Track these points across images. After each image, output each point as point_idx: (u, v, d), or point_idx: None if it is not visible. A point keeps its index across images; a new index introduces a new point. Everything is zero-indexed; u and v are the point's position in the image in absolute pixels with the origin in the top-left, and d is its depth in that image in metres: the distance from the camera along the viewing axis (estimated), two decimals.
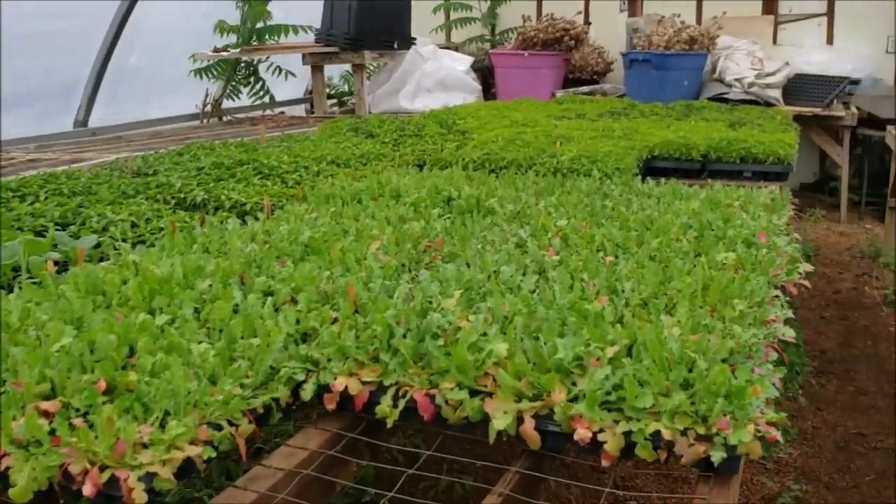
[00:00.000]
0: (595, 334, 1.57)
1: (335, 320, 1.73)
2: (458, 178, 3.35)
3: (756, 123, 5.01)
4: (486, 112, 6.02)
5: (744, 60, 7.48)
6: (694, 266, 2.11)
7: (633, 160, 3.78)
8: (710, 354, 1.50)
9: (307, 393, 1.57)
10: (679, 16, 7.90)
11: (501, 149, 3.93)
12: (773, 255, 2.22)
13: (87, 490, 1.24)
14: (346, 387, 1.56)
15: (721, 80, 7.48)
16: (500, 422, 1.42)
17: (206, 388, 1.45)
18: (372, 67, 9.05)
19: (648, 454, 1.38)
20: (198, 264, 2.01)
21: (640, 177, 3.98)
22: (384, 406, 1.52)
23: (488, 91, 8.86)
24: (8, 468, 1.28)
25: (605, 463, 1.40)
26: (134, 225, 2.71)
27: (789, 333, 1.80)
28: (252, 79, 8.25)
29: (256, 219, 2.81)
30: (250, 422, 1.47)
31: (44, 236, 2.44)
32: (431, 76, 8.50)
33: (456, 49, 9.60)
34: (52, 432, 1.31)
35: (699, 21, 8.37)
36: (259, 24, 7.83)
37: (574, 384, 1.49)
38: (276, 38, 8.15)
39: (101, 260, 2.43)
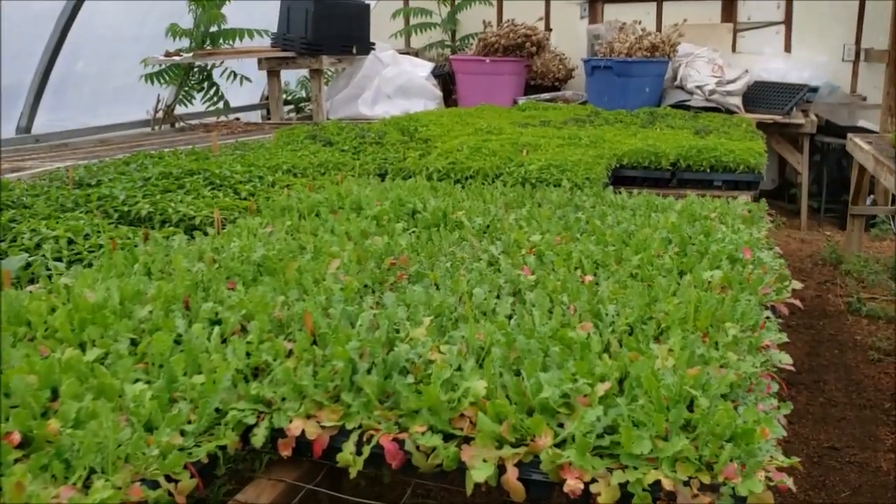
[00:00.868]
0: (582, 368, 1.42)
1: (290, 353, 1.54)
2: (422, 189, 3.18)
3: (722, 131, 4.95)
4: (449, 119, 5.86)
5: (704, 68, 7.46)
6: (679, 285, 1.97)
7: (602, 169, 3.66)
8: (711, 391, 1.35)
9: (258, 439, 1.38)
10: (640, 22, 7.86)
11: (467, 158, 3.77)
12: (760, 272, 2.10)
13: None
14: (304, 431, 1.38)
15: (682, 88, 7.46)
16: (480, 472, 1.25)
17: (140, 439, 1.25)
18: (330, 73, 8.85)
19: None
20: (137, 288, 1.80)
21: (610, 186, 3.86)
22: (346, 453, 1.34)
23: (449, 97, 8.73)
24: None
25: None
26: (71, 242, 2.48)
27: (786, 360, 1.67)
28: (205, 84, 7.99)
29: (206, 234, 2.60)
30: (192, 475, 1.28)
31: None
32: (391, 82, 8.35)
33: (416, 55, 9.46)
34: None
35: (659, 28, 8.36)
36: (213, 28, 7.58)
37: (561, 426, 1.32)
38: (230, 42, 7.90)
39: (32, 282, 2.21)
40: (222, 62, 7.81)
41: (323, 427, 1.38)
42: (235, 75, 7.91)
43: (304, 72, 8.71)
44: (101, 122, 7.34)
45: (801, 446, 3.98)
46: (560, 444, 1.30)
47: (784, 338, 1.75)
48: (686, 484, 1.21)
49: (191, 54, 7.35)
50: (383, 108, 8.04)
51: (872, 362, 4.90)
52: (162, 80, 7.58)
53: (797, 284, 2.11)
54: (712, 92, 7.27)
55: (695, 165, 3.99)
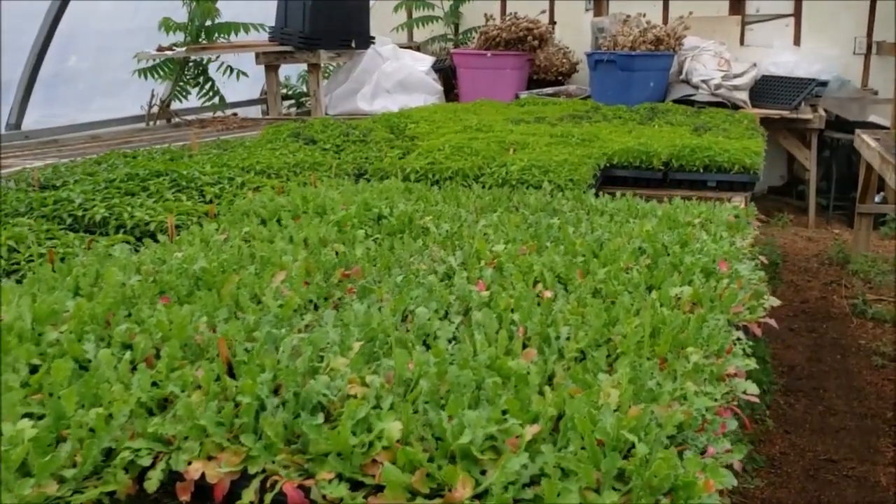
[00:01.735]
0: (514, 406, 1.27)
1: (200, 385, 1.41)
2: (394, 192, 3.04)
3: (721, 129, 4.76)
4: (442, 115, 5.71)
5: (710, 62, 7.26)
6: (644, 302, 1.82)
7: (588, 170, 3.50)
8: (653, 434, 1.20)
9: (152, 483, 1.24)
10: (644, 15, 7.67)
11: (447, 157, 3.62)
12: (734, 287, 1.94)
13: None
14: (204, 474, 1.24)
15: (688, 82, 7.27)
16: None
17: (7, 487, 1.12)
18: (332, 67, 8.73)
19: None
20: (53, 307, 1.67)
21: (597, 187, 3.71)
22: (246, 501, 1.20)
23: (451, 92, 8.58)
24: None
25: None
26: (13, 251, 2.36)
27: (752, 390, 1.51)
28: (201, 79, 7.87)
29: (156, 241, 2.48)
30: None
31: None
32: (391, 76, 8.21)
33: (418, 49, 9.31)
34: None
35: (665, 21, 8.16)
36: (208, 23, 7.46)
37: (484, 473, 1.18)
38: (226, 36, 7.79)
39: None
40: (218, 57, 7.69)
41: (224, 471, 1.24)
42: (232, 70, 7.79)
43: (305, 66, 8.58)
44: (95, 118, 7.25)
45: (796, 458, 3.82)
46: (480, 496, 1.15)
47: (752, 364, 1.60)
48: None
49: (184, 49, 7.24)
50: (382, 103, 7.91)
51: (876, 368, 4.71)
52: (156, 75, 7.48)
53: (774, 302, 1.95)
54: (718, 86, 7.07)
55: (688, 165, 3.82)
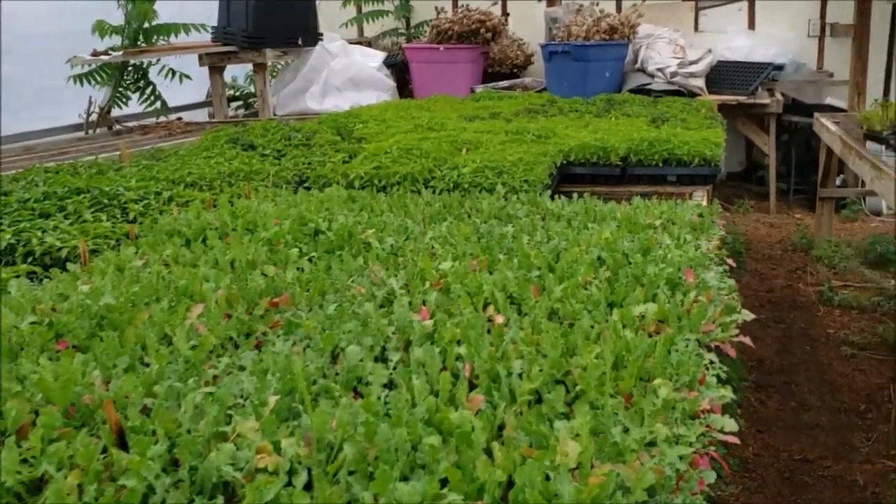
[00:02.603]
0: (455, 476, 1.06)
1: (75, 464, 1.17)
2: (336, 202, 2.81)
3: (679, 119, 4.61)
4: (393, 113, 5.49)
5: (666, 49, 7.13)
6: (605, 324, 1.63)
7: (544, 170, 3.31)
8: None
9: None
10: (598, 4, 7.52)
11: (394, 161, 3.40)
12: (703, 301, 1.76)
13: None
14: None
15: (643, 71, 7.13)
16: None
17: None
18: (280, 66, 8.44)
19: None
20: None
21: (553, 187, 3.52)
22: None
23: (405, 88, 8.33)
24: None
25: None
26: None
27: (730, 427, 1.33)
28: (142, 83, 7.52)
29: (66, 270, 2.22)
30: None
31: None
32: (341, 74, 7.94)
33: (369, 44, 9.05)
34: None
35: (619, 9, 8.02)
36: (146, 25, 7.11)
37: None
38: (166, 38, 7.44)
39: None
40: (159, 60, 7.35)
41: None
42: (174, 73, 7.45)
43: (251, 66, 8.27)
44: (29, 128, 6.87)
45: (771, 460, 3.69)
46: None
47: (728, 395, 1.41)
48: None
49: (121, 53, 6.89)
50: (333, 102, 7.64)
51: (846, 358, 4.62)
52: (93, 81, 7.11)
53: (748, 315, 1.77)
54: (674, 74, 6.94)
55: (646, 160, 3.65)
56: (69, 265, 2.29)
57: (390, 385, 1.41)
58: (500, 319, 1.67)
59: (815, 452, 3.71)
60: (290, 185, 3.36)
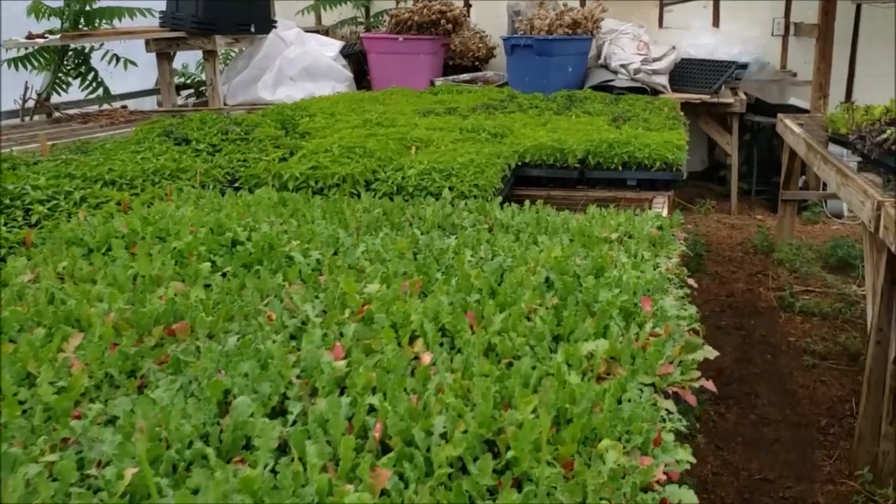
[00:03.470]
0: None
1: None
2: (263, 207, 2.55)
3: (641, 118, 4.42)
4: (345, 106, 5.22)
5: (629, 45, 6.97)
6: (548, 366, 1.41)
7: (496, 173, 3.08)
8: None
9: None
10: None
11: (334, 161, 3.14)
12: (661, 335, 1.55)
13: None
14: None
15: (606, 67, 6.96)
16: None
17: None
18: (233, 54, 8.10)
19: None
20: None
21: (506, 191, 3.30)
22: None
23: (364, 78, 8.05)
24: None
25: None
26: None
27: (688, 500, 1.12)
28: (83, 69, 7.12)
29: None
30: None
31: None
32: (295, 63, 7.62)
33: (326, 33, 8.74)
34: None
35: (583, 3, 7.83)
36: (88, 7, 6.73)
37: None
38: (109, 22, 7.06)
39: None
40: (102, 45, 6.96)
41: None
42: (118, 59, 7.07)
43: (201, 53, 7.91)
44: None
45: (730, 479, 3.53)
46: None
47: (687, 457, 1.21)
48: None
49: (58, 36, 6.50)
50: (286, 92, 7.34)
51: (806, 369, 4.49)
52: (29, 65, 6.71)
53: (711, 353, 1.57)
54: (637, 71, 6.78)
55: (605, 163, 3.45)
56: None
57: (284, 447, 1.17)
58: (426, 359, 1.44)
59: (775, 471, 3.56)
60: (220, 185, 3.09)
